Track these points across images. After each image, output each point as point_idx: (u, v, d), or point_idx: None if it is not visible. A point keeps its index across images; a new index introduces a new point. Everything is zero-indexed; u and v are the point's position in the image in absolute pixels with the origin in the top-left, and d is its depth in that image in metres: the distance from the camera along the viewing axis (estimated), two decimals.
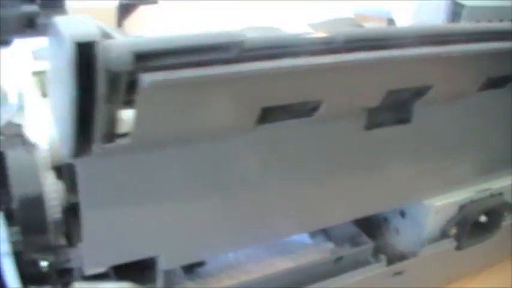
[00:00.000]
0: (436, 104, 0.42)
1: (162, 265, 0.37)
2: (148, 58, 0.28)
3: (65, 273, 0.38)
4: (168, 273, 0.40)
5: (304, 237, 0.50)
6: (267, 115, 0.35)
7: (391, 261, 0.47)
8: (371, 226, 0.51)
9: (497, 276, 0.57)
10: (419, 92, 0.41)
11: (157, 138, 0.32)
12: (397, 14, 0.49)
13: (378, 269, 0.46)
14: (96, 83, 0.27)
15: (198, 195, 0.36)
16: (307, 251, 0.49)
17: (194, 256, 0.40)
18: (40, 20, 0.42)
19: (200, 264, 0.46)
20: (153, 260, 0.39)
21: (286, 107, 0.35)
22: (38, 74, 0.37)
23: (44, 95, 0.38)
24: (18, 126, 0.38)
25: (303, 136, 0.38)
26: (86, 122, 0.29)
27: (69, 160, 0.33)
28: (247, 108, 0.33)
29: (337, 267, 0.46)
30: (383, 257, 0.47)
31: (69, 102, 0.28)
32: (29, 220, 0.35)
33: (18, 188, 0.35)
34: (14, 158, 0.35)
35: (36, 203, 0.35)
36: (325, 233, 0.51)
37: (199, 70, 0.29)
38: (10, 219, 0.43)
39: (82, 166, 0.32)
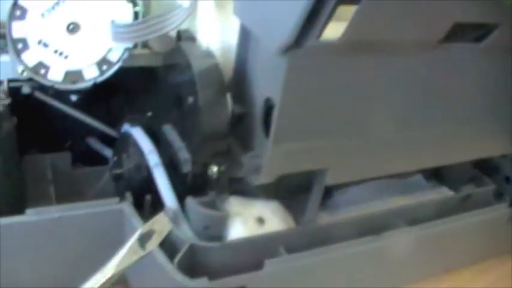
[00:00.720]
0: None
1: (328, 180, 0.38)
2: None
3: (230, 182, 0.38)
4: None
5: (420, 180, 0.51)
6: (449, 34, 0.36)
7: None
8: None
9: None
10: None
11: (361, 41, 0.32)
12: None
13: (501, 209, 0.47)
14: None
15: (375, 110, 0.36)
16: (425, 192, 0.50)
17: (353, 175, 0.41)
18: None
19: (329, 195, 0.47)
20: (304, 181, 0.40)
21: (465, 28, 0.36)
22: None
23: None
24: (189, 31, 0.38)
25: (465, 64, 0.39)
26: (315, 13, 0.29)
27: (278, 53, 0.32)
28: (445, 19, 0.33)
29: (462, 206, 0.47)
30: (506, 198, 0.48)
31: None
32: (211, 124, 0.35)
33: (203, 93, 0.34)
34: (197, 62, 0.35)
35: (219, 107, 0.35)
36: (439, 177, 0.52)
37: None
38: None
39: (289, 60, 0.31)
